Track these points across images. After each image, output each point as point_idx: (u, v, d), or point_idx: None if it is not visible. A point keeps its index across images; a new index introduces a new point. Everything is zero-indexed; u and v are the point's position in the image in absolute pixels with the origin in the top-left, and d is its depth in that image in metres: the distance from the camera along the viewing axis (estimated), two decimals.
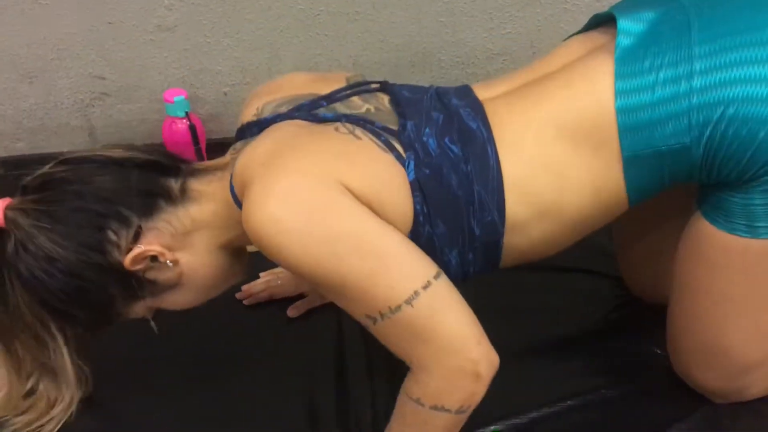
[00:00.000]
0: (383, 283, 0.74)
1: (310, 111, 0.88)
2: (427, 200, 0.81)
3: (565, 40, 0.94)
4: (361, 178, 0.78)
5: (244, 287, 1.19)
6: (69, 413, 0.96)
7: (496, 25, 1.46)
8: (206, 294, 0.92)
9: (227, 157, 0.89)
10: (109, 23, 1.40)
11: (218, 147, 1.45)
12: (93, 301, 0.84)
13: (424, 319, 0.75)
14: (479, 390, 0.78)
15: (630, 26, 0.82)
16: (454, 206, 0.82)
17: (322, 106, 0.89)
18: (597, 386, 1.01)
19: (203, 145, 1.44)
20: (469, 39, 1.47)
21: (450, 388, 0.77)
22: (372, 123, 0.84)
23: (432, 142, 0.82)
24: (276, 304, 1.17)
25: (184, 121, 1.39)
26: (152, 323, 0.91)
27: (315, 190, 0.75)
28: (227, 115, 1.50)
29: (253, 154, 0.80)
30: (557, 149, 0.82)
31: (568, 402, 0.99)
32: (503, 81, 0.91)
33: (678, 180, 0.84)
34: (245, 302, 1.18)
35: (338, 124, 0.83)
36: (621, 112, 0.79)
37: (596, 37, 0.89)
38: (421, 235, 0.81)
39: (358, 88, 0.91)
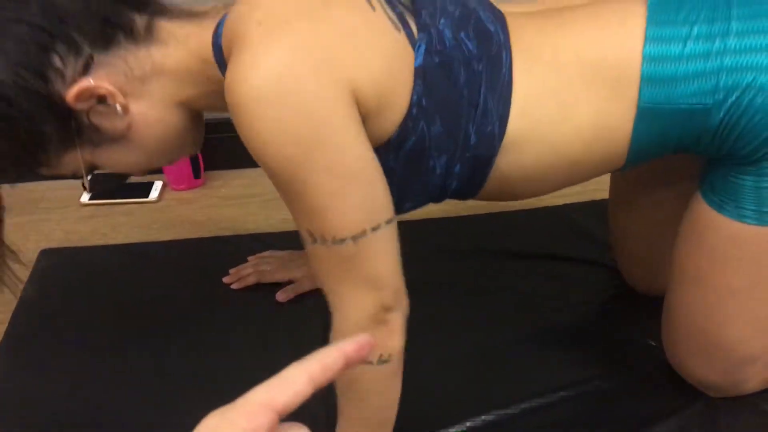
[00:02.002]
0: (339, 210, 0.69)
1: None
2: (430, 91, 0.74)
3: None
4: (368, 70, 0.71)
5: (232, 270, 1.17)
6: None
7: None
8: (151, 158, 0.83)
9: (209, 5, 0.79)
10: None
11: (209, 128, 1.43)
12: (22, 136, 0.73)
13: (360, 259, 0.72)
14: (393, 339, 0.75)
15: None
16: (457, 105, 0.76)
17: None
18: (590, 377, 0.99)
19: None
20: None
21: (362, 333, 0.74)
22: None
23: (447, 32, 0.76)
24: (264, 288, 1.14)
25: None
26: (84, 180, 0.81)
27: (316, 81, 0.67)
28: None
29: (255, 5, 0.70)
30: (572, 77, 0.77)
31: (561, 393, 0.97)
32: (526, 3, 0.86)
33: (684, 146, 0.80)
34: (233, 286, 1.15)
35: None
36: (648, 59, 0.75)
37: None
38: (411, 132, 0.75)
39: None
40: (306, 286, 1.13)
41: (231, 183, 1.47)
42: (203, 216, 1.39)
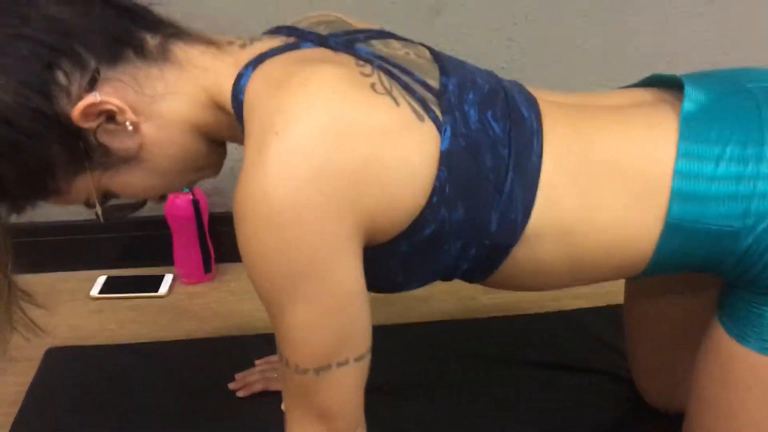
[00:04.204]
0: (309, 343, 0.69)
1: (347, 41, 0.77)
2: (454, 177, 0.71)
3: (620, 88, 0.89)
4: (387, 199, 0.69)
5: (238, 376, 1.15)
6: None
7: None
8: (166, 180, 0.78)
9: (231, 36, 0.77)
10: None
11: (221, 221, 1.43)
12: (27, 160, 0.69)
13: (317, 390, 0.71)
14: None
15: (697, 94, 0.78)
16: (482, 191, 0.73)
17: (359, 40, 0.78)
18: None
19: (206, 219, 1.41)
20: None
21: None
22: (411, 74, 0.74)
23: (473, 113, 0.73)
24: (271, 396, 1.11)
25: (188, 195, 1.36)
26: (98, 210, 0.77)
27: (322, 215, 0.65)
28: (232, 189, 1.47)
29: (279, 100, 0.67)
30: (602, 180, 0.75)
31: None
32: (556, 93, 0.84)
33: (706, 266, 0.78)
34: (239, 393, 1.13)
35: (375, 78, 0.71)
36: (679, 175, 0.74)
37: (658, 93, 0.84)
38: (430, 220, 0.72)
39: (398, 35, 0.82)
40: None
41: (241, 276, 1.45)
42: (212, 312, 1.37)
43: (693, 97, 0.78)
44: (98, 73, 0.69)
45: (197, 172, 0.82)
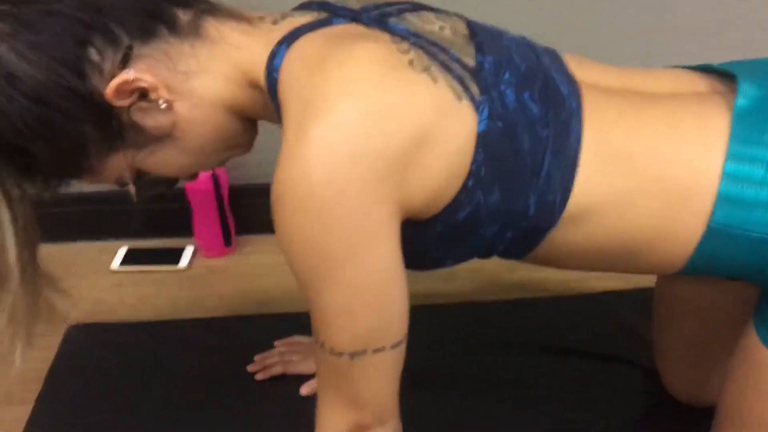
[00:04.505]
0: (346, 326, 0.68)
1: (380, 15, 0.75)
2: (490, 160, 0.69)
3: (671, 67, 0.85)
4: (426, 183, 0.68)
5: (257, 358, 1.15)
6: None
7: None
8: (199, 159, 0.78)
9: (261, 12, 0.76)
10: None
11: (241, 193, 1.42)
12: (61, 139, 0.68)
13: (351, 375, 0.70)
14: None
15: (750, 89, 0.74)
16: (519, 173, 0.71)
17: (392, 14, 0.76)
18: None
19: (225, 193, 1.40)
20: None
21: None
22: (447, 51, 0.72)
23: (510, 93, 0.71)
24: (290, 379, 1.11)
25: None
26: (131, 188, 0.76)
27: (359, 197, 0.64)
28: (252, 162, 1.45)
29: (319, 80, 0.65)
30: (644, 173, 0.72)
31: None
32: (594, 67, 0.80)
33: (743, 274, 0.76)
34: (257, 377, 1.12)
35: (413, 55, 0.69)
36: (727, 177, 0.71)
37: (711, 83, 0.80)
38: (465, 203, 0.70)
39: (431, 6, 0.79)
40: None
41: (262, 249, 1.45)
42: (232, 286, 1.37)
43: (747, 93, 0.73)
44: (131, 49, 0.68)
45: (229, 150, 0.81)
